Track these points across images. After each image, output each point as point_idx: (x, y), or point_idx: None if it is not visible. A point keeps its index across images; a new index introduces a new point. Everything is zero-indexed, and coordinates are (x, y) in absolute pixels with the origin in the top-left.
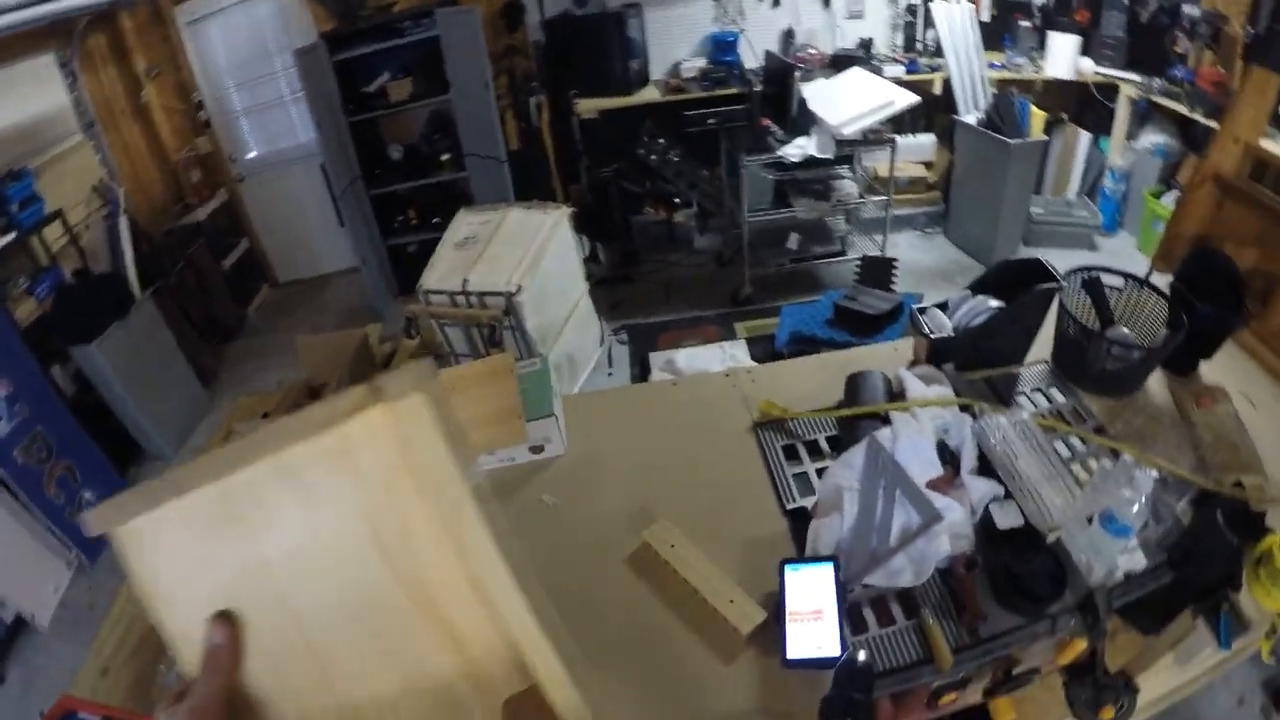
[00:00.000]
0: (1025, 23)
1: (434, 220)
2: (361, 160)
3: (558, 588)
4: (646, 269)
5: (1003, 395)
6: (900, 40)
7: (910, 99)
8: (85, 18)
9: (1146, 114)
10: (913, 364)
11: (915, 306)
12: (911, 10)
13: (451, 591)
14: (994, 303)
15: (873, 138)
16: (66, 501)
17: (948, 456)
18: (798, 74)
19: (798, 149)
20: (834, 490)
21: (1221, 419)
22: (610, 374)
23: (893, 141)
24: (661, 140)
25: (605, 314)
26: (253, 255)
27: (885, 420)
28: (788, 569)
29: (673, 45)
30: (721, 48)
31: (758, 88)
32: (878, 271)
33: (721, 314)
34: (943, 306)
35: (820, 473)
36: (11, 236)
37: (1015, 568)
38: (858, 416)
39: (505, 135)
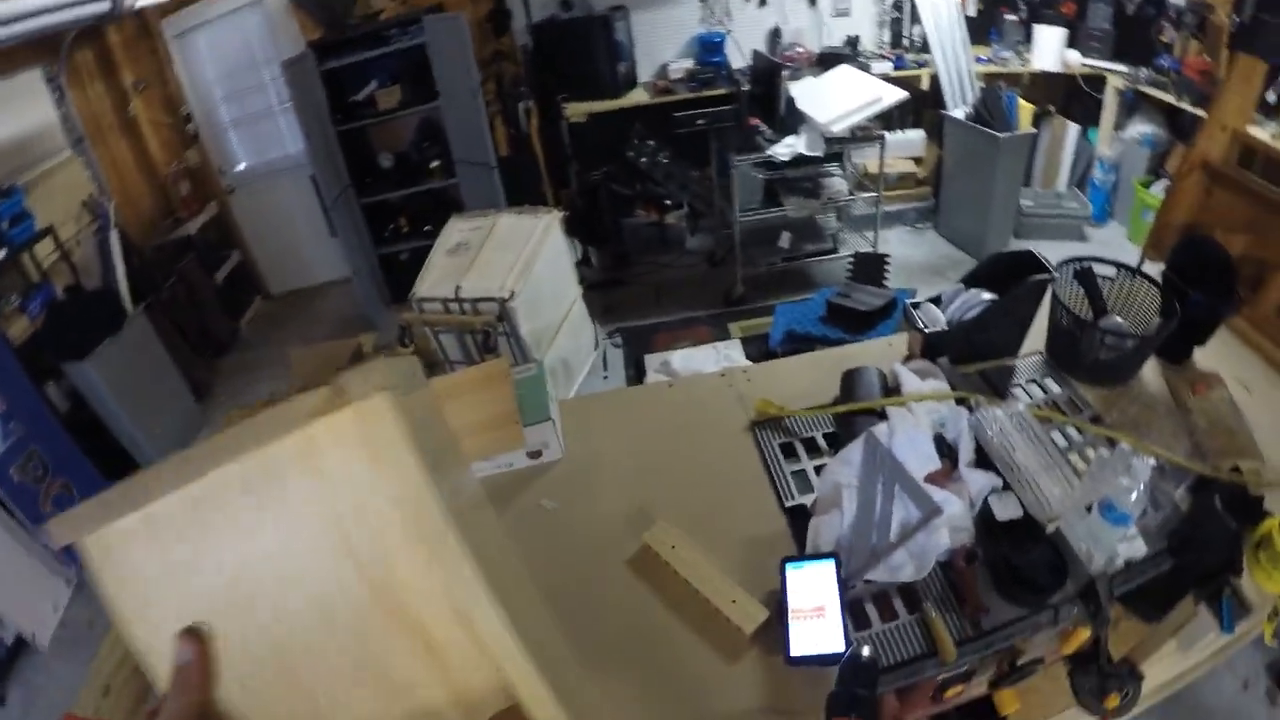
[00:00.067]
0: (1011, 16)
1: (425, 228)
2: (351, 169)
3: (559, 591)
4: (639, 271)
5: (998, 387)
6: (887, 37)
7: (898, 95)
8: (72, 32)
9: (1134, 104)
10: (907, 359)
11: (908, 301)
12: (898, 6)
13: (427, 603)
14: (987, 296)
15: (861, 134)
16: None
17: (945, 450)
18: (785, 73)
19: (787, 148)
20: (833, 487)
21: (1216, 405)
22: (605, 377)
23: (882, 138)
24: (651, 142)
25: (599, 317)
26: (244, 267)
27: (882, 416)
28: (789, 567)
29: (660, 47)
30: (709, 48)
31: (746, 87)
32: (870, 268)
33: (715, 314)
34: (936, 301)
35: (818, 470)
36: (2, 254)
37: (1016, 559)
38: (854, 413)
39: (494, 141)
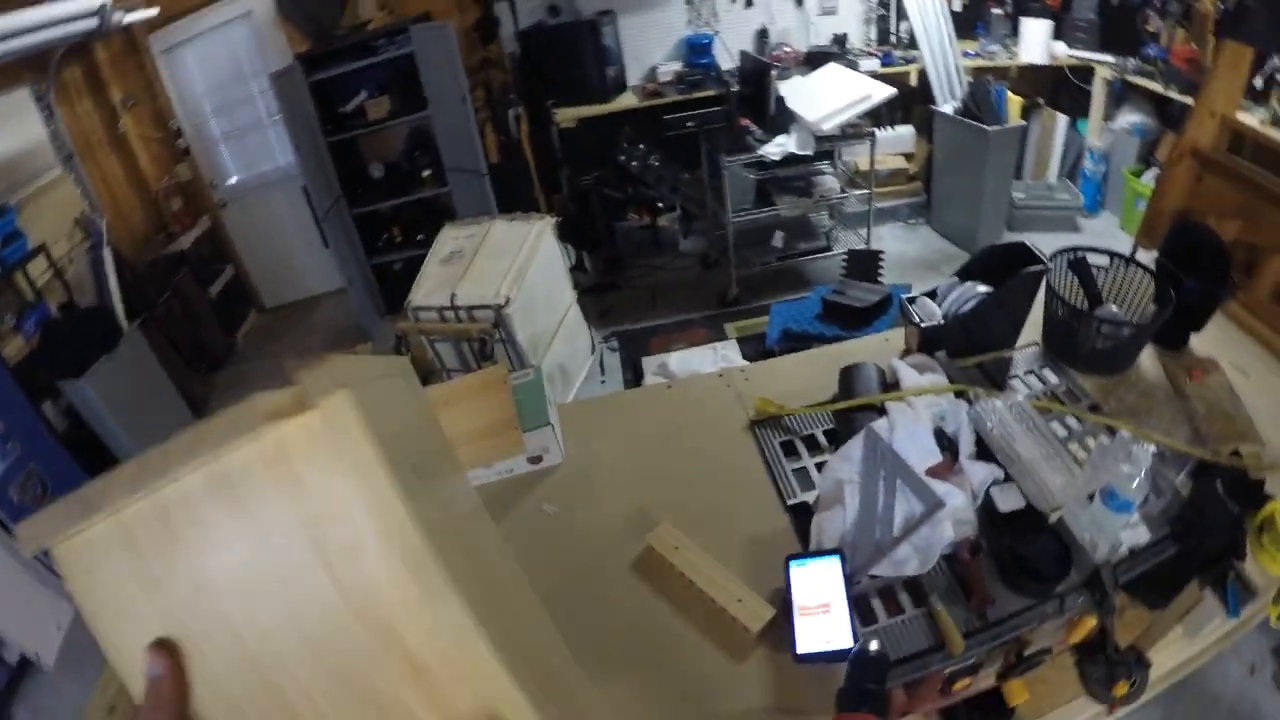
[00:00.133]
0: (997, 10)
1: (418, 237)
2: (343, 180)
3: (564, 595)
4: (633, 275)
5: (996, 379)
6: (874, 34)
7: (887, 92)
8: (60, 50)
9: (1122, 94)
10: (905, 353)
11: (904, 296)
12: (884, 4)
13: (410, 619)
14: (982, 288)
15: (851, 132)
16: None
17: (945, 443)
18: (774, 72)
19: (778, 147)
20: (834, 484)
21: (1215, 390)
22: (603, 382)
23: (872, 135)
24: (641, 145)
25: (594, 322)
26: (238, 281)
27: (881, 411)
28: (793, 565)
29: (648, 50)
30: (697, 50)
31: (735, 88)
32: (864, 264)
33: (710, 316)
34: (931, 295)
35: (819, 467)
36: None
37: (1020, 549)
38: (854, 409)
39: (485, 148)
